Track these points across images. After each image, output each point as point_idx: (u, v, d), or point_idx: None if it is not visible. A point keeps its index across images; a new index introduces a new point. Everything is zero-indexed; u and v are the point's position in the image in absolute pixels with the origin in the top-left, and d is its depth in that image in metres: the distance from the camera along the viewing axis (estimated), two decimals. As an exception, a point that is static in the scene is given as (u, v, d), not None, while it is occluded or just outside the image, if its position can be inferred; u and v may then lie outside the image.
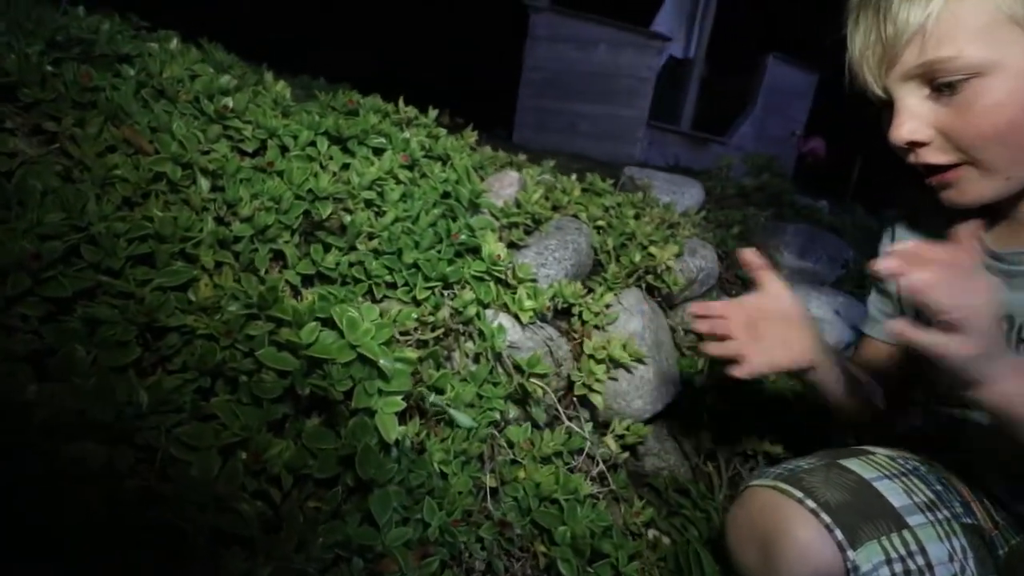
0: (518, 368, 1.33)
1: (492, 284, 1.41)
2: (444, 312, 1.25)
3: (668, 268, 1.65)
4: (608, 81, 5.93)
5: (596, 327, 1.52)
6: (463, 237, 1.34)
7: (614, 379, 1.44)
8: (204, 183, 1.19)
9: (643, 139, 5.80)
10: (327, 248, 1.30)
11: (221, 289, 1.08)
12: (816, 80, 6.97)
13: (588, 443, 1.33)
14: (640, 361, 1.45)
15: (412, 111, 1.75)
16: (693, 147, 6.29)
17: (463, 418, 1.12)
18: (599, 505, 1.24)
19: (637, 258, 1.74)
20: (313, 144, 1.43)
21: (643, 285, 1.74)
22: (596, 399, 1.40)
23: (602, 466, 1.33)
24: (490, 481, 1.22)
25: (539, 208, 1.78)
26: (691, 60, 6.54)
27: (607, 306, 1.56)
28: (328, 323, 1.08)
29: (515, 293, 1.42)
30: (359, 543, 0.95)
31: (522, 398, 1.35)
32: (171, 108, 1.29)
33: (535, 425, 1.32)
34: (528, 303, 1.41)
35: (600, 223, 1.84)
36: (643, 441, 1.50)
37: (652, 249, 1.64)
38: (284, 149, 1.40)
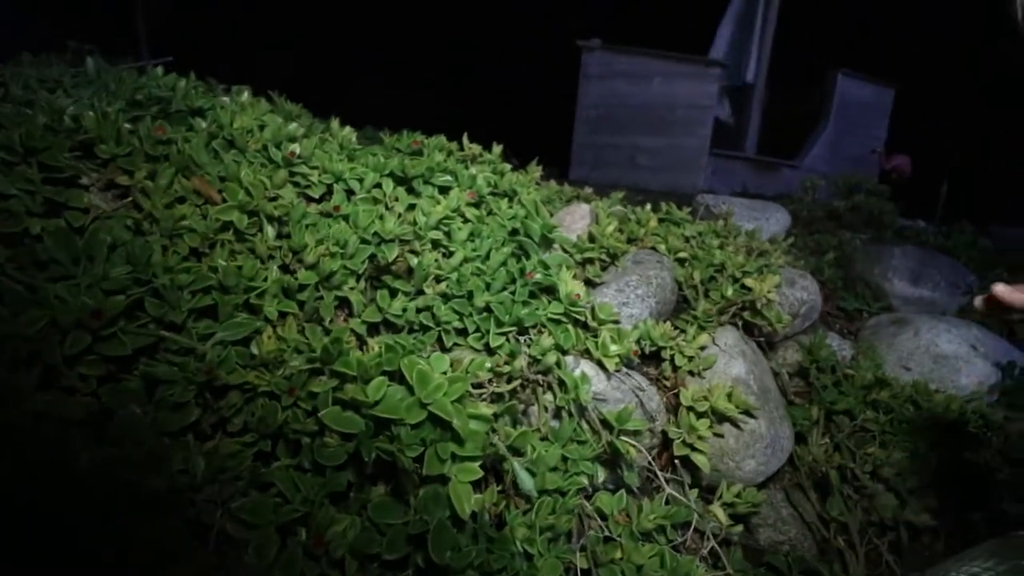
0: (606, 424, 1.16)
1: (571, 327, 1.27)
2: (521, 360, 1.11)
3: (768, 302, 1.44)
4: (666, 112, 5.84)
5: (691, 373, 1.33)
6: (538, 276, 1.21)
7: (719, 435, 1.24)
8: (270, 230, 1.14)
9: (706, 168, 5.62)
10: (393, 294, 1.21)
11: (284, 342, 0.99)
12: (893, 95, 6.54)
13: (695, 515, 1.12)
14: (749, 414, 1.24)
15: (476, 148, 1.68)
16: (760, 173, 6.01)
17: (526, 479, 0.95)
18: (717, 596, 1.02)
19: (730, 292, 1.55)
20: (379, 186, 1.37)
21: (739, 323, 1.54)
22: (700, 460, 1.19)
23: (713, 542, 1.11)
24: (581, 562, 1.04)
25: (614, 241, 1.65)
26: (752, 85, 6.34)
27: (702, 348, 1.37)
28: (396, 377, 0.96)
29: (597, 337, 1.26)
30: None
31: (612, 459, 1.17)
32: (240, 158, 1.27)
33: (628, 491, 1.14)
34: (613, 347, 1.25)
35: (682, 255, 1.67)
36: (757, 510, 1.27)
37: (747, 281, 1.44)
38: (350, 193, 1.34)
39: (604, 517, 1.09)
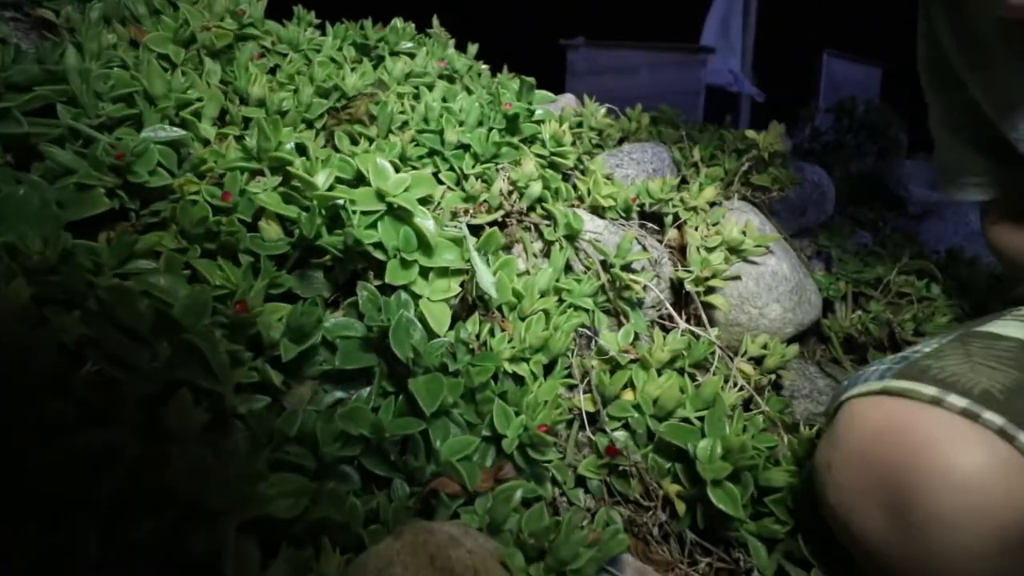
0: (605, 264, 1.01)
1: (558, 177, 1.13)
2: (500, 185, 0.97)
3: (776, 154, 1.30)
4: (655, 101, 5.85)
5: (698, 229, 1.18)
6: (516, 109, 1.08)
7: (735, 278, 1.08)
8: (212, 65, 1.02)
9: (700, 151, 5.58)
10: (354, 140, 1.08)
11: (220, 156, 0.86)
12: (880, 73, 6.54)
13: (717, 351, 0.96)
14: (768, 250, 1.09)
15: (446, 35, 1.57)
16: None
17: (484, 274, 0.80)
18: (754, 420, 0.85)
19: (733, 164, 1.41)
20: (339, 50, 1.26)
21: (747, 194, 1.39)
22: (717, 301, 1.04)
23: (746, 387, 0.94)
24: (586, 404, 0.87)
25: (605, 123, 1.52)
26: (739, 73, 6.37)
27: (710, 204, 1.23)
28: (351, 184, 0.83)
29: (589, 184, 1.12)
30: (394, 434, 0.63)
31: (613, 307, 1.01)
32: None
33: (636, 337, 0.97)
34: (607, 189, 1.10)
35: (681, 146, 1.54)
36: (785, 367, 1.10)
37: (749, 134, 1.30)
38: (308, 62, 1.23)
39: (608, 356, 0.92)
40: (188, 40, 1.03)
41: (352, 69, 1.20)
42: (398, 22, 1.35)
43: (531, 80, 1.21)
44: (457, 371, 0.74)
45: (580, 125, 1.49)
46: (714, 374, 0.94)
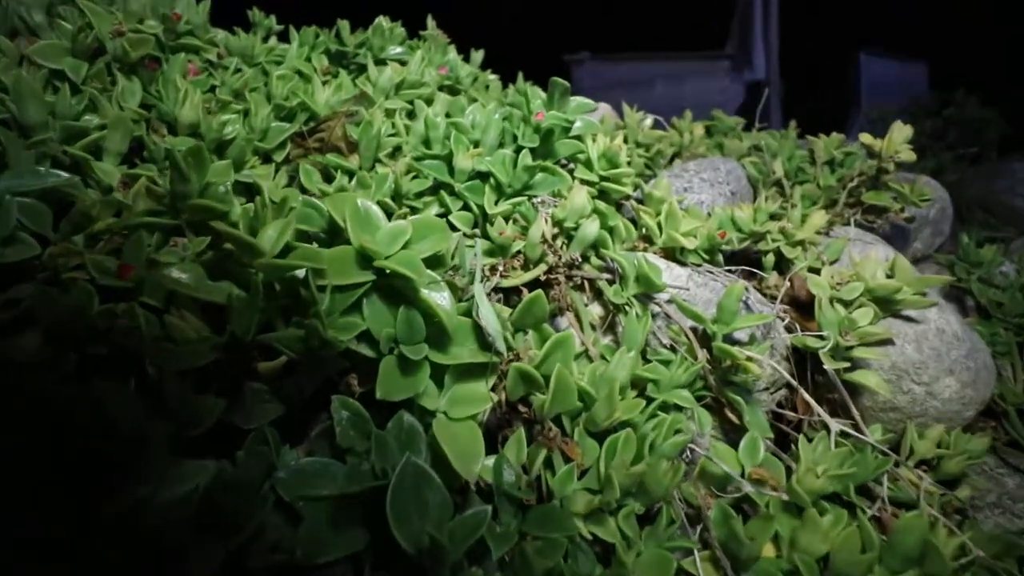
0: (701, 334, 0.76)
1: (613, 210, 0.89)
2: (539, 227, 0.72)
3: (899, 166, 1.06)
4: (674, 115, 5.74)
5: (812, 270, 0.93)
6: (551, 120, 0.85)
7: (886, 342, 0.81)
8: (127, 85, 0.80)
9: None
10: (327, 176, 0.85)
11: (124, 209, 0.62)
12: (925, 69, 6.41)
13: (891, 464, 0.68)
14: (925, 297, 0.83)
15: (444, 37, 1.36)
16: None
17: (489, 315, 0.59)
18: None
19: (831, 179, 1.18)
20: (308, 60, 1.05)
21: (852, 219, 1.15)
22: (869, 380, 0.77)
23: (927, 510, 0.66)
24: (705, 568, 0.59)
25: (653, 138, 1.31)
26: (766, 80, 6.29)
27: (820, 233, 0.98)
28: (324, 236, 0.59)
29: (658, 218, 0.88)
30: None
31: (715, 398, 0.75)
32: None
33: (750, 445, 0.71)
34: (686, 224, 0.86)
35: (749, 159, 1.32)
36: (966, 472, 0.82)
37: (871, 140, 1.07)
38: (265, 77, 1.01)
39: (722, 486, 0.66)
40: (93, 51, 0.81)
41: (324, 83, 0.99)
42: (383, 22, 1.14)
43: (564, 83, 0.99)
44: (503, 560, 0.47)
45: (624, 140, 1.27)
46: (900, 507, 0.66)
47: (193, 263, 0.56)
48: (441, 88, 1.14)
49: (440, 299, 0.56)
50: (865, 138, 1.08)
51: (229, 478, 0.48)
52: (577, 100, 0.95)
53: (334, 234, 0.64)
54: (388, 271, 0.55)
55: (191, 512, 0.46)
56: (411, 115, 0.99)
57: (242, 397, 0.54)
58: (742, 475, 0.67)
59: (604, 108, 1.40)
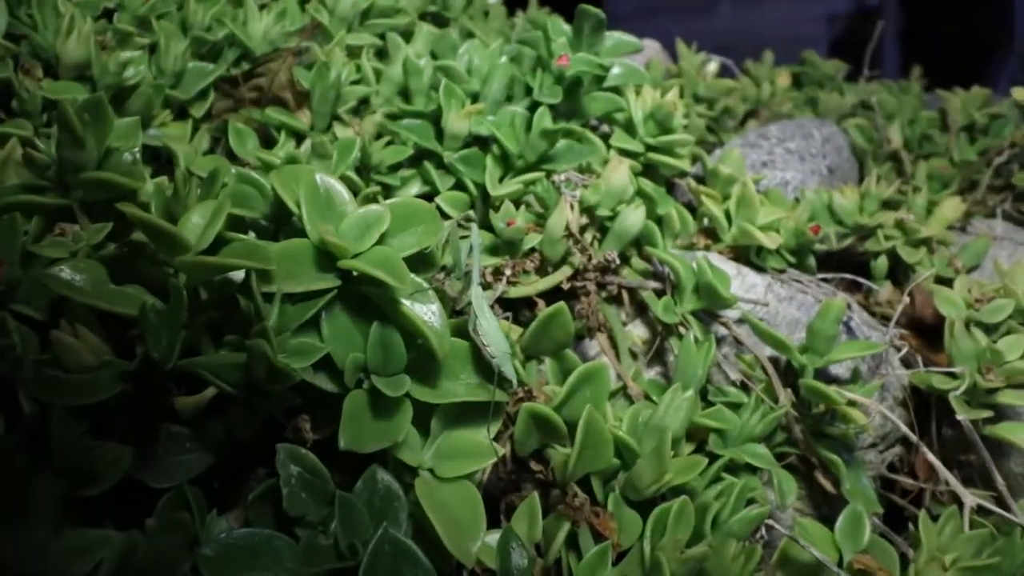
0: (783, 365, 0.80)
1: (663, 191, 0.93)
2: (563, 216, 0.76)
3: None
4: (746, 55, 5.81)
5: (942, 282, 0.97)
6: (580, 65, 0.88)
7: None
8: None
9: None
10: (268, 140, 0.89)
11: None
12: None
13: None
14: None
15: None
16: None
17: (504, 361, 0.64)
18: None
19: (970, 152, 1.21)
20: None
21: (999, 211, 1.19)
22: (1018, 435, 0.81)
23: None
24: None
25: (720, 90, 1.36)
26: (879, 7, 6.37)
27: (953, 228, 1.02)
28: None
29: (725, 204, 0.92)
30: None
31: (805, 446, 0.79)
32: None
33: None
34: (765, 213, 0.90)
35: (856, 123, 1.36)
36: None
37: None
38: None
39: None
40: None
41: (263, 7, 1.02)
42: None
43: (596, 12, 1.02)
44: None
45: (680, 93, 1.31)
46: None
47: (89, 259, 0.59)
48: (424, 17, 1.18)
49: (427, 314, 0.59)
50: (1020, 93, 1.12)
51: (140, 556, 0.50)
52: (615, 36, 0.99)
53: (281, 221, 0.67)
54: (357, 274, 0.58)
55: (87, 601, 0.49)
56: (382, 55, 1.03)
57: (155, 445, 0.58)
58: (840, 564, 0.70)
59: (651, 47, 1.44)
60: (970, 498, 0.74)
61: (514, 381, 0.65)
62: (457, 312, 0.72)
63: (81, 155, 0.61)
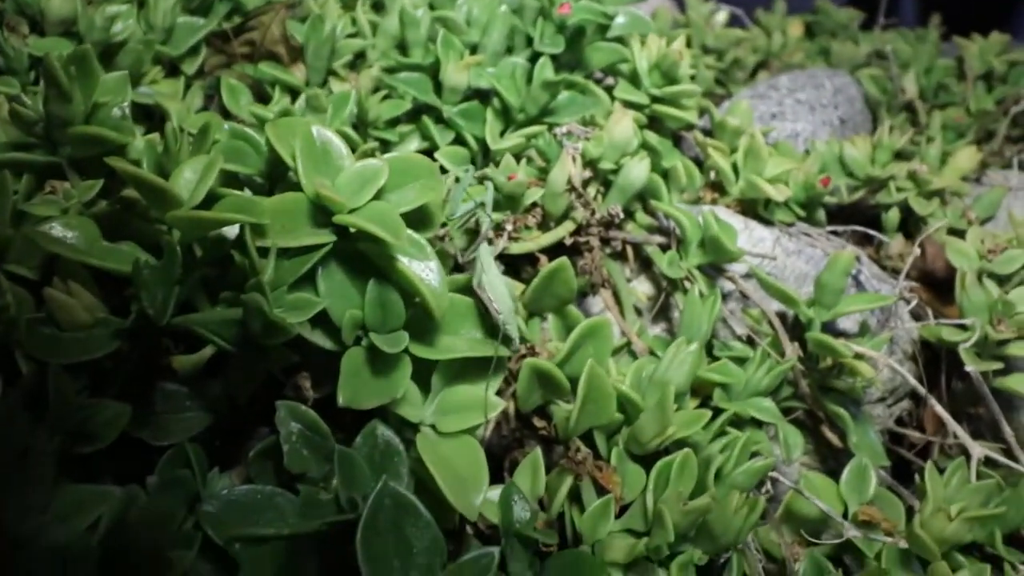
0: (791, 322, 0.80)
1: (669, 143, 0.93)
2: (565, 170, 0.76)
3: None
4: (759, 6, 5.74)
5: (953, 231, 0.98)
6: (581, 15, 0.88)
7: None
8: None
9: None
10: (262, 95, 0.89)
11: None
12: None
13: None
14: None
15: None
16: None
17: (503, 297, 0.66)
18: None
19: (987, 101, 1.21)
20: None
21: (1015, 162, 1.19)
22: None
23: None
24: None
25: (730, 41, 1.34)
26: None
27: (968, 180, 1.02)
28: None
29: (733, 156, 0.92)
30: None
31: (813, 400, 0.80)
32: None
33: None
34: (774, 165, 0.90)
35: (870, 73, 1.34)
36: None
37: None
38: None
39: (816, 531, 0.70)
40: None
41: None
42: None
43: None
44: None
45: (687, 43, 1.30)
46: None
47: (81, 216, 0.59)
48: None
49: (425, 272, 0.60)
50: None
51: (139, 511, 0.52)
52: (629, 12, 0.99)
53: (276, 178, 0.68)
54: (354, 230, 0.59)
55: (90, 556, 0.50)
56: (378, 7, 1.03)
57: (153, 402, 0.59)
58: (844, 516, 0.71)
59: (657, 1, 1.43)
60: (978, 449, 0.75)
61: (516, 340, 0.66)
62: (458, 267, 0.73)
63: (68, 110, 0.61)
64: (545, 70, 0.87)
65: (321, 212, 0.60)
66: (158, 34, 0.90)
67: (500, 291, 0.63)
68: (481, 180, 0.80)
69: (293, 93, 0.89)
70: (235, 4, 0.95)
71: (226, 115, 0.87)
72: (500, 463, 0.74)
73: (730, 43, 1.38)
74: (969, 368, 0.80)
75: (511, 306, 0.64)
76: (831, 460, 0.85)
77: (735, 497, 0.63)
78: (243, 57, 0.91)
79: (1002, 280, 0.85)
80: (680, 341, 0.72)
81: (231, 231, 0.59)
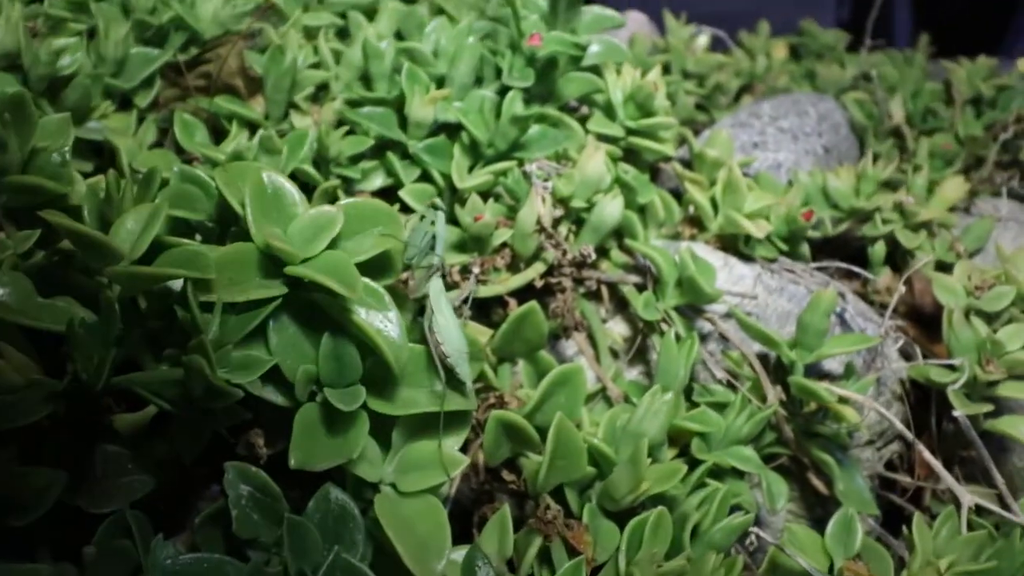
0: (773, 365, 0.80)
1: (646, 178, 0.93)
2: (534, 209, 0.75)
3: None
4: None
5: (941, 266, 0.98)
6: (553, 45, 0.87)
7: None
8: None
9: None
10: (218, 130, 0.88)
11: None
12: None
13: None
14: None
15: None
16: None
17: (455, 338, 0.66)
18: None
19: (975, 127, 1.21)
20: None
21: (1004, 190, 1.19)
22: (1020, 429, 0.81)
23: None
24: None
25: (711, 66, 1.35)
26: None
27: (955, 210, 1.03)
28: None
29: (711, 190, 0.92)
30: None
31: (797, 447, 0.79)
32: None
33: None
34: (754, 200, 0.89)
35: (856, 97, 1.35)
36: None
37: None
38: None
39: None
40: None
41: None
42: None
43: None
44: None
45: (666, 69, 1.30)
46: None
47: (14, 271, 0.58)
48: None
49: (383, 323, 0.58)
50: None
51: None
52: (594, 11, 0.98)
53: (227, 222, 0.66)
54: (307, 281, 0.57)
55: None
56: (343, 35, 1.02)
57: (93, 466, 0.57)
58: (830, 571, 0.70)
59: (636, 20, 1.43)
60: (968, 497, 0.74)
61: (469, 383, 0.65)
62: (421, 312, 0.72)
63: (3, 158, 0.60)
64: (515, 104, 0.86)
65: (272, 263, 0.58)
66: (109, 66, 0.88)
67: (451, 333, 0.62)
68: (449, 221, 0.79)
69: (252, 128, 0.88)
70: (191, 34, 0.94)
71: (180, 151, 0.86)
72: (469, 516, 0.73)
73: (712, 67, 1.38)
74: (957, 412, 0.80)
75: (463, 348, 0.62)
76: (818, 508, 0.84)
77: (711, 558, 0.61)
78: (198, 90, 0.90)
79: (990, 318, 0.85)
80: (655, 389, 0.70)
81: (177, 283, 0.58)
